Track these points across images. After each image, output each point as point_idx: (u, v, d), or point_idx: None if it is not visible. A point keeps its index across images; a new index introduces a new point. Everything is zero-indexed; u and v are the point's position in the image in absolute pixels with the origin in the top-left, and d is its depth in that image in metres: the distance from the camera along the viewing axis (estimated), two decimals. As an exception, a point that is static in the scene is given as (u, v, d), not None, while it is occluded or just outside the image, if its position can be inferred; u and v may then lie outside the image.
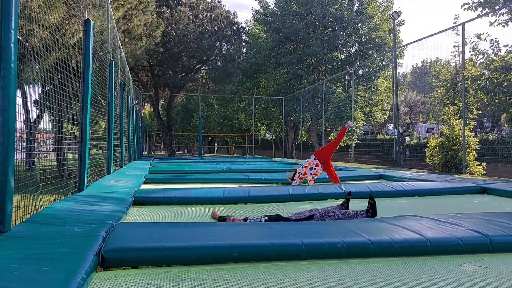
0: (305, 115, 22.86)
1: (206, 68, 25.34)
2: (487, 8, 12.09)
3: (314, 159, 7.41)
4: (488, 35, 11.32)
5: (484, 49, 11.61)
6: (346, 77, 23.93)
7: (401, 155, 14.41)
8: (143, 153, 26.87)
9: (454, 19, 15.54)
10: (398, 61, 20.30)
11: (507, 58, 10.51)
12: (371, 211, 4.01)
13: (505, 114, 11.25)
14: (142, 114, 29.58)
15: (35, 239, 2.82)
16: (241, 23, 24.84)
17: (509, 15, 11.56)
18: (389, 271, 2.53)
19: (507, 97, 10.50)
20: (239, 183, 8.26)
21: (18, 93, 3.38)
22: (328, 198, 5.84)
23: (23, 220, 3.55)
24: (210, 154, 34.37)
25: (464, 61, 11.10)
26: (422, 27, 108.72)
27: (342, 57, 25.09)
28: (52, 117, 6.89)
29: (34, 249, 2.55)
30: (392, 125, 17.65)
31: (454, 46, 15.26)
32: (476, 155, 11.19)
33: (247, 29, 28.68)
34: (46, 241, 2.78)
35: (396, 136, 14.21)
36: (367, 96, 23.11)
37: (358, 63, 23.96)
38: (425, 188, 6.43)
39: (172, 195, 5.68)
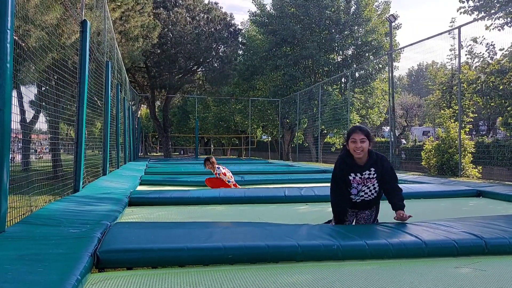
0: (301, 117, 22.89)
1: (203, 69, 25.35)
2: (483, 12, 12.15)
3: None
4: (484, 38, 11.36)
5: (480, 52, 11.66)
6: (343, 80, 23.99)
7: (397, 158, 14.45)
8: (139, 154, 26.81)
9: (450, 22, 15.61)
10: (394, 64, 20.38)
11: (502, 61, 10.55)
12: None
13: (500, 118, 11.29)
14: (139, 115, 29.52)
15: (30, 240, 2.81)
16: (237, 25, 24.89)
17: (505, 19, 11.62)
18: (385, 274, 2.53)
19: (503, 101, 10.54)
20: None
21: (14, 93, 3.37)
22: (324, 200, 5.84)
23: (18, 220, 3.53)
24: (206, 156, 34.30)
25: (460, 65, 11.14)
26: (418, 31, 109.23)
27: (339, 60, 25.16)
28: (48, 117, 6.88)
29: (29, 250, 2.54)
30: (388, 127, 17.70)
31: (450, 50, 15.29)
32: (471, 158, 11.22)
33: (243, 31, 28.71)
34: (41, 242, 2.76)
35: (392, 139, 14.24)
36: (363, 98, 23.18)
37: (355, 65, 24.03)
38: (420, 191, 6.45)
39: (167, 195, 5.69)
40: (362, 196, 3.56)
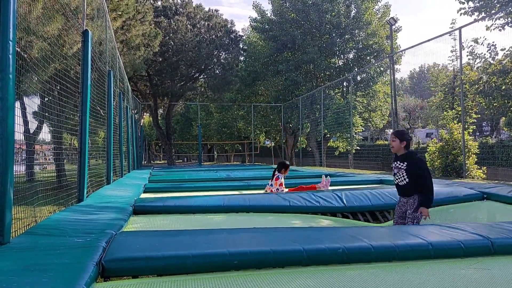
0: (304, 122, 22.88)
1: (205, 76, 25.39)
2: (483, 13, 12.16)
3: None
4: (485, 39, 11.36)
5: (482, 53, 11.65)
6: (344, 84, 24.00)
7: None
8: (143, 162, 26.85)
9: (451, 24, 15.59)
10: (396, 66, 20.34)
11: (504, 61, 10.54)
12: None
13: (504, 118, 11.26)
14: (141, 124, 29.59)
15: (35, 250, 2.80)
16: (238, 31, 24.95)
17: (505, 19, 11.62)
18: (391, 276, 2.52)
19: (506, 101, 10.53)
20: (239, 190, 8.22)
21: (17, 104, 3.39)
22: (328, 211, 5.78)
23: (23, 231, 3.54)
24: (209, 163, 34.37)
25: (462, 66, 11.13)
26: (420, 36, 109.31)
27: (340, 64, 25.16)
28: (51, 128, 6.90)
29: (34, 261, 2.54)
30: (391, 130, 17.67)
31: (452, 51, 15.31)
32: (476, 159, 11.18)
33: (244, 37, 28.78)
34: (46, 252, 2.76)
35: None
36: (365, 102, 23.16)
37: (356, 69, 24.03)
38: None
39: (172, 203, 5.67)
40: (396, 180, 4.44)
